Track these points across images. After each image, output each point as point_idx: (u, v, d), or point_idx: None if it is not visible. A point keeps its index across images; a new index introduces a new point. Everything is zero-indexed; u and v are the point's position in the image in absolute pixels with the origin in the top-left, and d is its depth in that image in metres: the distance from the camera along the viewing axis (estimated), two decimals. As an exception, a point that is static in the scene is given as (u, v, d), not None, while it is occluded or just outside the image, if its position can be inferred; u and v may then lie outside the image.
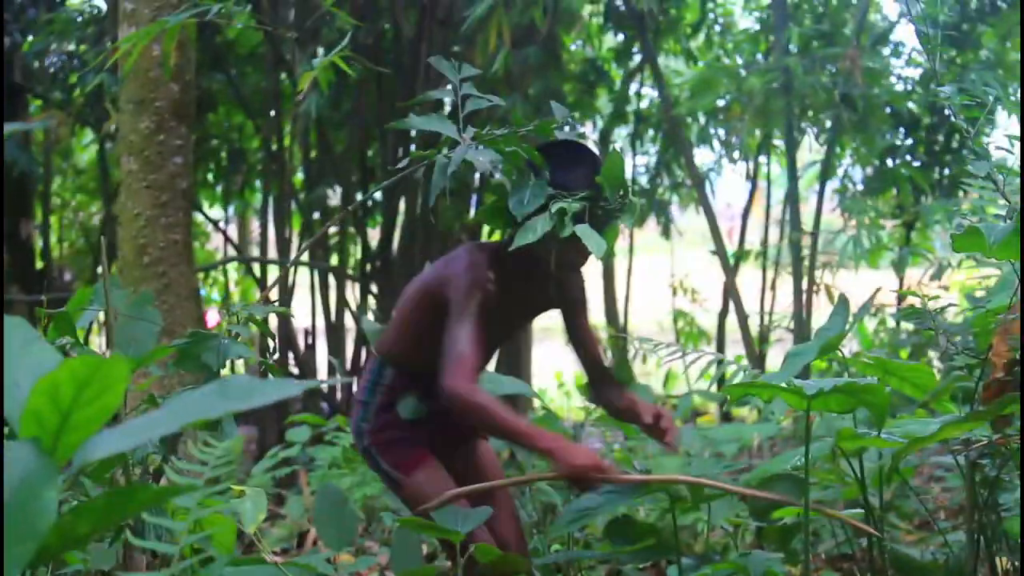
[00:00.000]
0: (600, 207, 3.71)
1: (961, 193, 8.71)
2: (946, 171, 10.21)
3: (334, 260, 10.77)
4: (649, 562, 4.52)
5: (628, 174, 11.70)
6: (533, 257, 3.80)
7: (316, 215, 10.02)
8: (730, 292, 10.45)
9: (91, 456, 1.68)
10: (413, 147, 9.71)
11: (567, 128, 4.03)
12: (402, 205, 10.08)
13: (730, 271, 10.07)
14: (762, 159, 12.09)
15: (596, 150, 3.91)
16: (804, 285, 10.05)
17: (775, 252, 11.66)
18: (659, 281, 13.65)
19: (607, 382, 4.24)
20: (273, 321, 9.69)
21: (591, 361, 4.24)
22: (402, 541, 4.07)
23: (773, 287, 11.37)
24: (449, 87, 3.93)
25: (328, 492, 4.14)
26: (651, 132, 12.06)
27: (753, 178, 12.29)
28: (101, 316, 3.63)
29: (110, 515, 1.75)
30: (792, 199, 10.03)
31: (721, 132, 11.36)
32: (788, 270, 10.74)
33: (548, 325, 14.15)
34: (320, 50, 9.09)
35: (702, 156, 11.92)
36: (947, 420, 3.38)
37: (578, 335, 4.21)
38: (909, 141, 10.39)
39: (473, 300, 3.73)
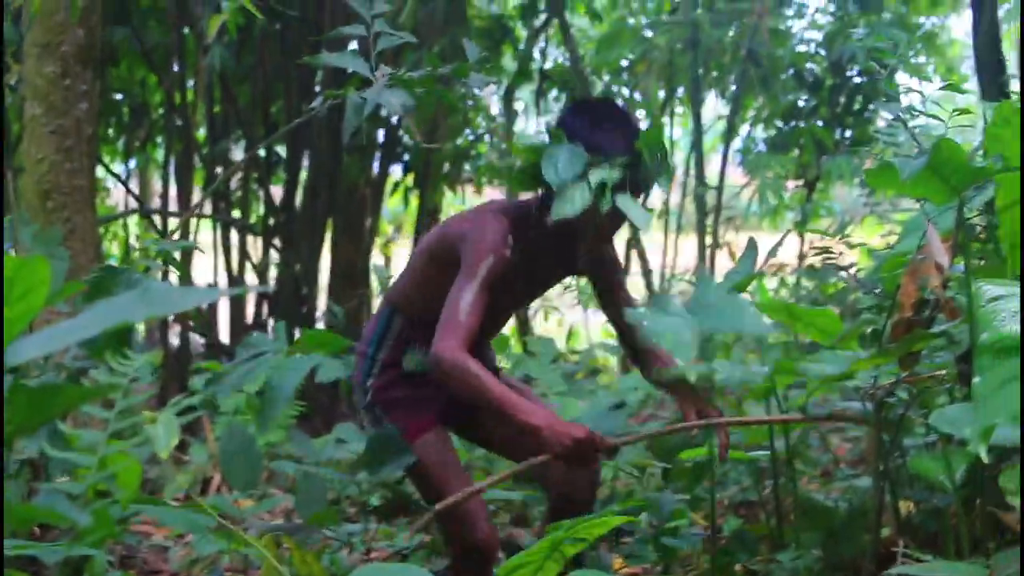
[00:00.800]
0: (641, 174, 3.49)
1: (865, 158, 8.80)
2: (848, 132, 10.32)
3: (237, 215, 10.66)
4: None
5: (535, 134, 11.86)
6: (566, 225, 3.49)
7: (219, 169, 9.90)
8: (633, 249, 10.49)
9: (15, 359, 1.63)
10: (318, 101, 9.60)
11: (483, 82, 3.96)
12: (306, 160, 9.99)
13: (633, 228, 10.09)
14: (665, 120, 12.13)
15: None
16: (708, 241, 10.13)
17: (677, 213, 11.73)
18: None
19: (652, 357, 3.91)
20: (174, 278, 9.57)
21: (633, 332, 3.85)
22: (307, 486, 4.04)
23: (676, 246, 11.45)
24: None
25: (234, 433, 4.08)
26: (556, 91, 12.05)
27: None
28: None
29: (34, 413, 1.71)
30: (697, 153, 10.09)
31: (626, 91, 11.39)
32: (691, 229, 10.82)
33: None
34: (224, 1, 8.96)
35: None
36: (856, 356, 3.40)
37: (614, 304, 3.92)
38: (812, 103, 10.47)
39: (484, 265, 3.49)
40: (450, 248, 3.62)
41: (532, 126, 12.07)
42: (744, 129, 10.97)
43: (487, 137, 11.45)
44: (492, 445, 3.98)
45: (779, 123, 10.62)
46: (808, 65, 10.30)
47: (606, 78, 11.34)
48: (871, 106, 10.32)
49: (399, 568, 2.77)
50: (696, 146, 9.99)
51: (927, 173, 2.83)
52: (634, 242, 10.01)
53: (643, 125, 3.58)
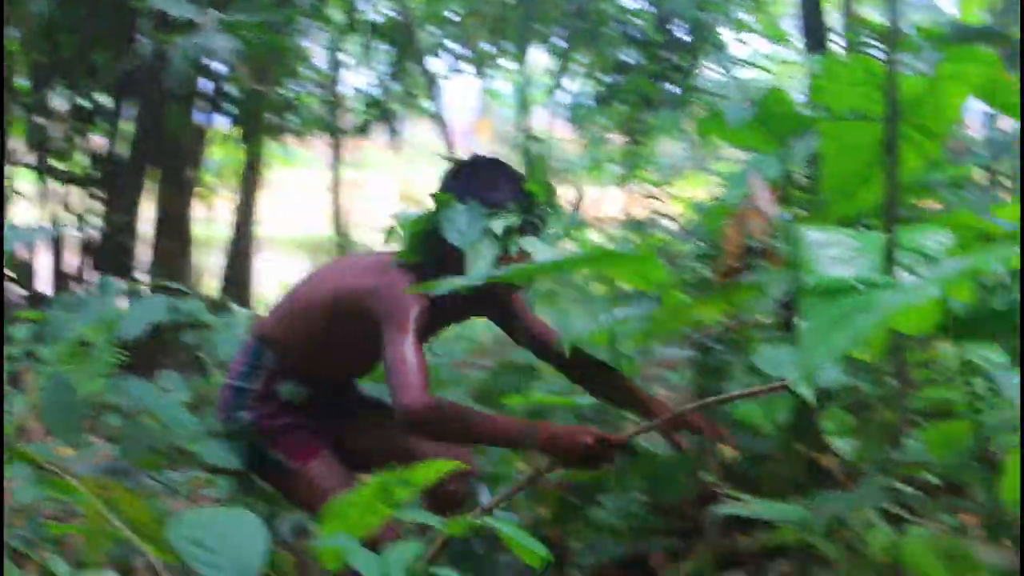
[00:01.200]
0: (536, 216, 3.56)
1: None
2: (673, 87, 10.43)
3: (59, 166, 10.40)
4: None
5: (364, 86, 11.82)
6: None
7: (41, 120, 9.65)
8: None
9: None
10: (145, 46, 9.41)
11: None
12: (130, 110, 9.77)
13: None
14: (492, 74, 12.16)
15: None
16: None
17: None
18: (387, 195, 13.62)
19: (592, 370, 3.87)
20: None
21: (558, 352, 3.79)
22: (132, 432, 3.98)
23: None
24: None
25: (57, 382, 3.99)
26: (383, 44, 11.97)
27: (484, 94, 12.36)
28: None
29: None
30: (523, 107, 10.13)
31: (454, 45, 11.38)
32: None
33: (270, 236, 14.10)
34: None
35: (435, 67, 11.90)
36: (682, 303, 3.43)
37: (531, 331, 3.90)
38: (638, 58, 10.56)
39: (411, 316, 3.46)
40: (355, 303, 3.61)
41: (360, 79, 11.96)
42: (571, 84, 11.02)
43: (313, 89, 11.33)
44: (372, 462, 3.85)
45: (605, 78, 10.69)
46: (635, 20, 10.38)
47: (435, 31, 11.29)
48: (696, 61, 10.45)
49: (225, 512, 2.73)
50: (522, 100, 10.02)
51: (755, 122, 2.87)
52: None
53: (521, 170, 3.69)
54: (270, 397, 3.79)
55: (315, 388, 3.80)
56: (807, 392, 1.89)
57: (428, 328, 3.62)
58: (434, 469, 2.85)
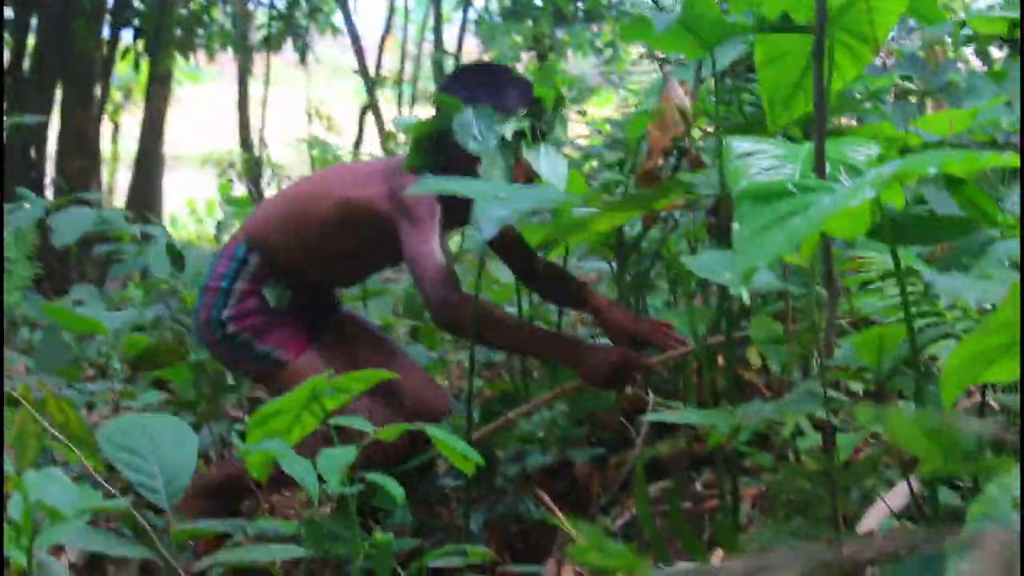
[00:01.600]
0: (544, 124, 3.40)
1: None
2: (582, 3, 10.40)
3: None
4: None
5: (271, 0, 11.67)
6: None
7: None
8: (368, 117, 10.42)
9: None
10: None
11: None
12: (34, 21, 9.59)
13: (371, 95, 10.00)
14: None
15: None
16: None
17: (411, 84, 11.71)
18: (295, 111, 13.51)
19: (553, 277, 3.90)
20: None
21: (522, 257, 3.89)
22: (49, 344, 3.92)
23: (412, 115, 11.42)
24: None
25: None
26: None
27: (391, 10, 12.25)
28: None
29: None
30: (436, 21, 10.05)
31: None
32: (426, 98, 10.82)
33: (178, 153, 13.93)
34: None
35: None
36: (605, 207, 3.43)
37: (513, 252, 3.89)
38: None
39: (427, 213, 3.44)
40: (369, 210, 3.59)
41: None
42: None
43: (219, 3, 11.17)
44: (360, 365, 3.71)
45: None
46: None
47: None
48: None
49: (155, 419, 2.70)
50: (436, 14, 9.95)
51: (680, 27, 2.85)
52: (371, 108, 9.91)
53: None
54: (252, 294, 3.74)
55: (298, 293, 3.78)
56: (744, 291, 1.89)
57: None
58: (366, 378, 2.83)
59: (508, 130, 3.29)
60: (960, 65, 7.52)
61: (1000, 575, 0.74)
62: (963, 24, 3.12)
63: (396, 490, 2.38)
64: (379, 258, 3.83)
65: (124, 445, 2.53)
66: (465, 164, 3.35)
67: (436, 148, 3.50)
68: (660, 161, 3.44)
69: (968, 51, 7.41)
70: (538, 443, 3.71)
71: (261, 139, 12.52)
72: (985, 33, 3.11)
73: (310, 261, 3.73)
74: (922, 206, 3.47)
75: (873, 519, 2.57)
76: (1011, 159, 2.08)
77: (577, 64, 12.01)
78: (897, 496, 2.58)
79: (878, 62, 4.54)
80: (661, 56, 3.68)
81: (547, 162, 3.31)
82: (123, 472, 2.49)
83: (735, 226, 2.02)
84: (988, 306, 2.27)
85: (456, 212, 3.58)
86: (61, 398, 2.76)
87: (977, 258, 2.20)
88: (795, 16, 2.85)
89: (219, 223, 7.80)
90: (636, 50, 10.77)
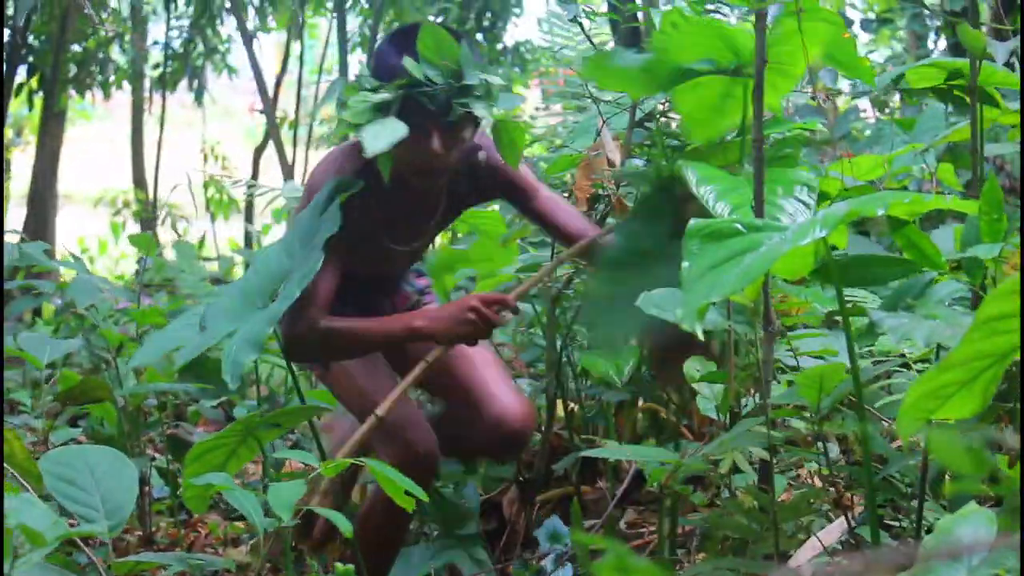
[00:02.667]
0: (427, 94, 2.88)
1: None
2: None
3: None
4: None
5: (167, 39, 11.52)
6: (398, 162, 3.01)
7: None
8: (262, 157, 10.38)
9: None
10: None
11: None
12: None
13: (276, 135, 9.94)
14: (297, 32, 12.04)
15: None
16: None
17: (308, 125, 11.71)
18: (189, 151, 13.42)
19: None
20: None
21: (575, 234, 3.30)
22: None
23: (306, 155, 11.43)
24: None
25: None
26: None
27: (286, 52, 12.25)
28: None
29: None
30: (342, 63, 10.04)
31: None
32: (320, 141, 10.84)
33: (68, 191, 13.75)
34: None
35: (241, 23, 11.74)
36: (534, 256, 3.47)
37: (543, 216, 3.36)
38: (441, 16, 10.55)
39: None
40: (306, 200, 3.25)
41: (163, 32, 11.72)
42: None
43: (116, 41, 11.08)
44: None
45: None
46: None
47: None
48: (500, 22, 10.53)
49: (96, 450, 2.67)
50: (342, 58, 9.93)
51: (639, 69, 2.88)
52: (277, 148, 9.85)
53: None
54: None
55: (349, 285, 3.29)
56: (698, 327, 1.91)
57: (392, 226, 3.26)
58: (304, 414, 2.83)
59: (358, 97, 2.90)
60: (867, 113, 7.70)
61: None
62: (901, 77, 3.18)
63: (343, 523, 2.38)
64: (372, 240, 3.31)
65: (64, 476, 2.51)
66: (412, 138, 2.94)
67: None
68: (586, 208, 3.48)
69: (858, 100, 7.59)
70: (466, 483, 3.71)
71: (156, 179, 12.41)
72: (918, 86, 3.18)
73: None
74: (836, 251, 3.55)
75: (806, 555, 2.61)
76: (953, 203, 2.14)
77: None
78: (831, 533, 2.63)
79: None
80: (589, 96, 3.70)
81: (375, 134, 2.83)
82: (65, 504, 2.47)
83: (684, 263, 2.05)
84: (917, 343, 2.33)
85: (421, 203, 3.26)
86: (8, 429, 2.72)
87: (919, 299, 2.25)
88: (718, 58, 2.92)
89: (139, 261, 7.70)
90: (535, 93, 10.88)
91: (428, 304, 3.59)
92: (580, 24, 3.78)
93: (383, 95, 2.88)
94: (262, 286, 3.08)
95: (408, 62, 2.85)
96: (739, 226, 2.10)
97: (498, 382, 3.36)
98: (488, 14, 10.63)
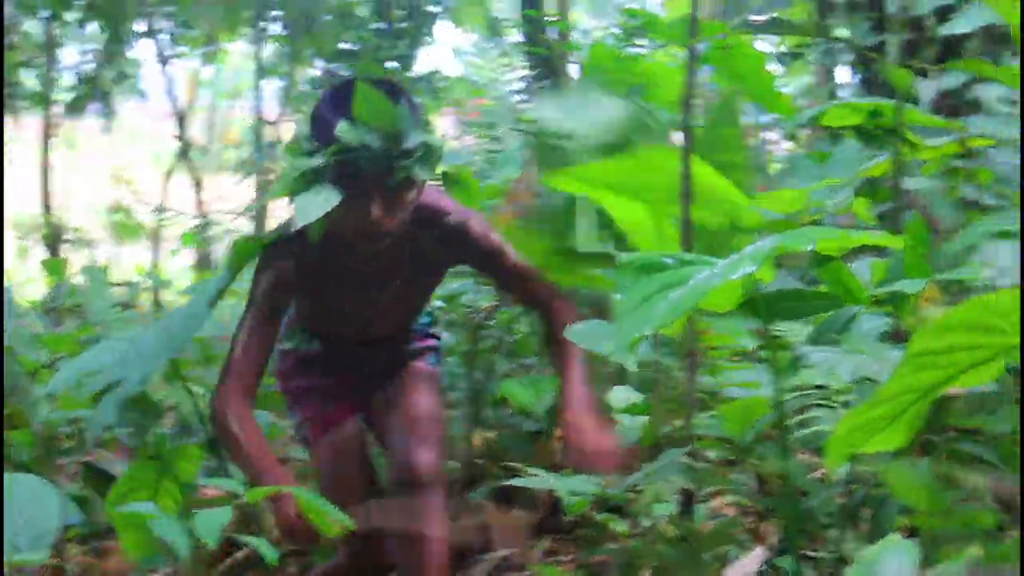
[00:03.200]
0: (365, 158, 2.76)
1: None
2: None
3: None
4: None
5: (78, 64, 11.41)
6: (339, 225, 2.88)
7: None
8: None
9: None
10: None
11: None
12: None
13: (189, 161, 9.89)
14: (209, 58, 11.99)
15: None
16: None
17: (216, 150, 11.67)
18: (97, 176, 13.30)
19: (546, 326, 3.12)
20: None
21: (544, 302, 3.10)
22: None
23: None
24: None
25: None
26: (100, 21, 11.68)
27: (193, 78, 12.23)
28: None
29: None
30: (257, 92, 10.05)
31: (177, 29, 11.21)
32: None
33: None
34: None
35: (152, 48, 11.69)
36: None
37: (512, 282, 3.16)
38: (357, 45, 10.58)
39: (258, 288, 2.99)
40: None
41: (73, 56, 11.64)
42: (293, 70, 10.97)
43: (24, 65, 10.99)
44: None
45: (325, 64, 10.68)
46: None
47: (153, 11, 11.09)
48: (414, 51, 10.57)
49: (20, 478, 2.63)
50: (257, 84, 9.95)
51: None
52: (192, 174, 9.79)
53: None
54: (291, 354, 3.31)
55: (329, 347, 3.26)
56: (630, 361, 1.94)
57: (347, 284, 3.08)
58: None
59: (309, 161, 2.78)
60: (777, 146, 7.80)
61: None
62: (821, 115, 3.24)
63: (269, 553, 2.36)
64: (339, 299, 3.13)
65: (-18, 504, 2.47)
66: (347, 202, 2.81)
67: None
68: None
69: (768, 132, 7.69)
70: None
71: (64, 204, 12.29)
72: (837, 124, 3.25)
73: (305, 310, 3.21)
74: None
75: (727, 583, 2.64)
76: (881, 239, 2.18)
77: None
78: (750, 563, 2.66)
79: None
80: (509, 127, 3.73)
81: (309, 205, 2.73)
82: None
83: (617, 296, 2.07)
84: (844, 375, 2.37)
85: (379, 270, 3.07)
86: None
87: (843, 333, 2.29)
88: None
89: (54, 286, 7.60)
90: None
91: (426, 361, 3.36)
92: (507, 55, 3.80)
93: (317, 160, 2.76)
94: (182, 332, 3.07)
95: (343, 128, 2.73)
96: (669, 260, 2.12)
97: (415, 435, 3.11)
98: (402, 42, 10.65)
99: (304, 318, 3.22)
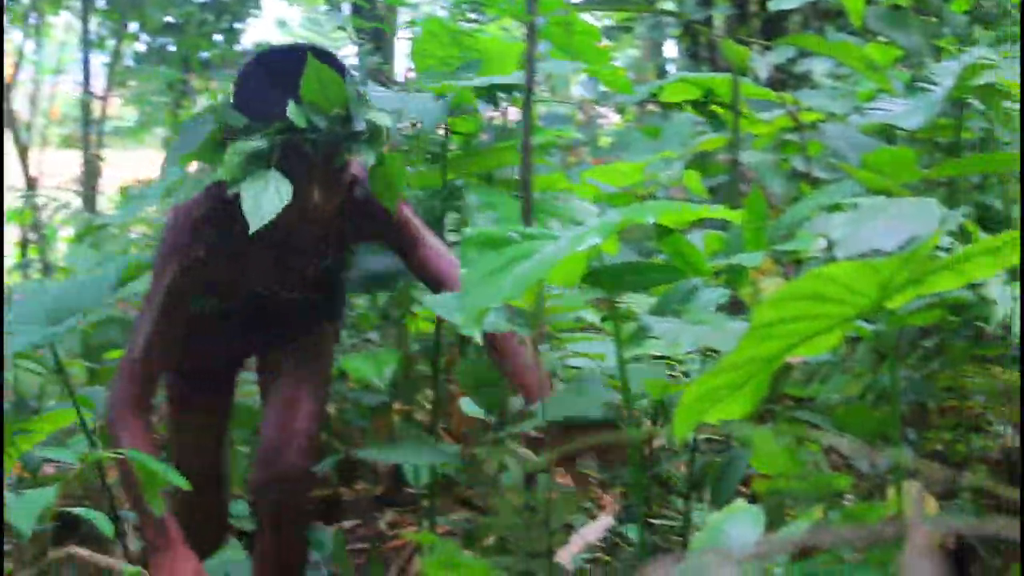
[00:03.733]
0: (311, 139, 2.60)
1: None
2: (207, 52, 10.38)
3: None
4: None
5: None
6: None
7: None
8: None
9: None
10: None
11: None
12: None
13: (15, 133, 9.64)
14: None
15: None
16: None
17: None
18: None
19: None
20: None
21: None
22: None
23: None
24: None
25: None
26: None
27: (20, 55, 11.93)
28: None
29: None
30: (85, 64, 9.83)
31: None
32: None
33: None
34: None
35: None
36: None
37: (427, 268, 2.98)
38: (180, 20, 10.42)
39: (161, 280, 2.76)
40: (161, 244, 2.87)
41: None
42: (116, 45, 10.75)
43: None
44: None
45: (148, 39, 10.50)
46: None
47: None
48: (237, 24, 10.46)
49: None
50: (85, 59, 9.72)
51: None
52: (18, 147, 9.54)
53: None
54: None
55: (230, 320, 3.06)
56: (476, 332, 1.95)
57: (250, 267, 2.90)
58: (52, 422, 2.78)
59: (234, 145, 2.58)
60: (607, 120, 7.89)
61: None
62: (658, 90, 3.30)
63: (106, 527, 2.35)
64: (239, 282, 2.97)
65: None
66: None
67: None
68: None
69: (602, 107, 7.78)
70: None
71: None
72: (674, 100, 3.31)
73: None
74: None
75: (570, 552, 2.69)
76: (721, 212, 2.24)
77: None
78: (595, 530, 2.71)
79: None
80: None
81: (255, 191, 2.51)
82: None
83: (463, 270, 2.09)
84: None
85: (278, 251, 2.91)
86: None
87: (684, 304, 2.33)
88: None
89: None
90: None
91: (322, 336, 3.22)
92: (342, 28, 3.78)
93: (258, 143, 2.56)
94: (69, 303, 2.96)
95: (292, 110, 2.54)
96: (514, 235, 2.15)
97: (287, 424, 2.96)
98: (227, 15, 10.51)
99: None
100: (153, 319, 2.74)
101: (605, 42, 3.85)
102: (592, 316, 2.76)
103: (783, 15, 7.15)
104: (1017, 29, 2.99)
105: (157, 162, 3.06)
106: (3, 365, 2.48)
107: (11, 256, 8.34)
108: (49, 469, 3.51)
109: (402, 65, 7.73)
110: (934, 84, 2.86)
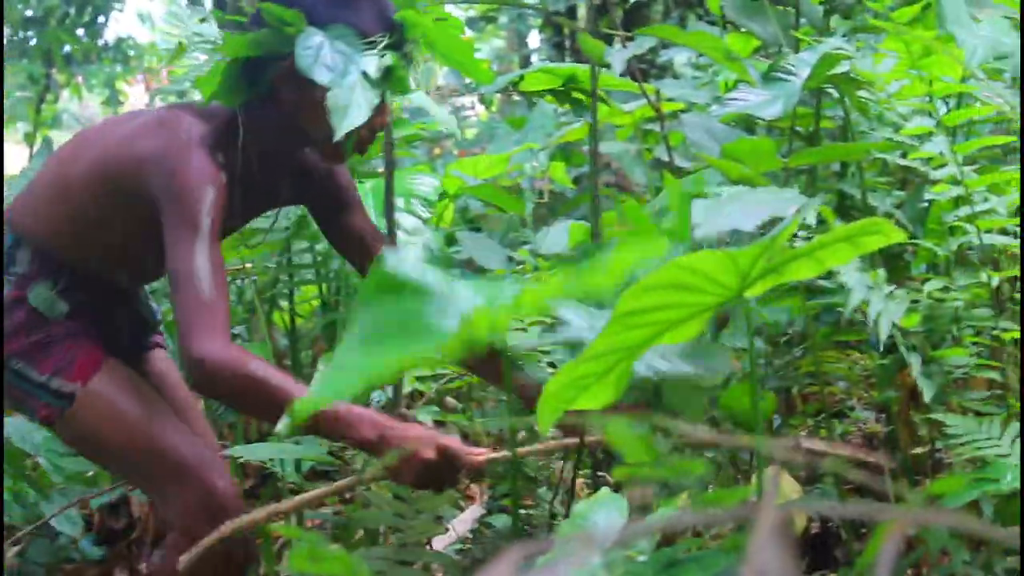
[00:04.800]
0: (407, 56, 2.49)
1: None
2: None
3: None
4: None
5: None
6: (290, 135, 2.57)
7: None
8: None
9: None
10: None
11: None
12: None
13: None
14: None
15: None
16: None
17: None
18: None
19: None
20: None
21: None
22: None
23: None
24: None
25: None
26: None
27: None
28: None
29: None
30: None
31: None
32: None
33: None
34: None
35: None
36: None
37: (356, 238, 2.77)
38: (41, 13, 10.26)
39: (205, 209, 2.37)
40: (121, 176, 2.48)
41: None
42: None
43: None
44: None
45: (10, 32, 10.33)
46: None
47: None
48: (99, 18, 10.32)
49: None
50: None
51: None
52: None
53: None
54: (23, 306, 2.56)
55: (83, 296, 2.63)
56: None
57: (226, 218, 2.50)
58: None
59: (372, 63, 2.43)
60: (472, 111, 7.91)
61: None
62: (519, 80, 3.30)
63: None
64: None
65: None
66: (302, 104, 2.49)
67: (254, 79, 2.52)
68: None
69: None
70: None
71: None
72: (534, 89, 3.32)
73: (83, 248, 2.61)
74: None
75: (443, 542, 2.71)
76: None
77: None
78: (465, 521, 2.73)
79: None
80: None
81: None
82: None
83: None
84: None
85: (252, 199, 2.66)
86: None
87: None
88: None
89: None
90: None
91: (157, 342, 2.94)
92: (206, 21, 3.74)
93: (377, 56, 2.41)
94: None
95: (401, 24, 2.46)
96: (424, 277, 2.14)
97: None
98: (89, 8, 10.37)
99: (85, 257, 2.62)
100: (209, 252, 2.35)
101: (469, 33, 3.86)
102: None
103: (644, 4, 7.23)
104: (871, 20, 3.05)
105: (19, 157, 2.98)
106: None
107: None
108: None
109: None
110: (792, 74, 2.90)
